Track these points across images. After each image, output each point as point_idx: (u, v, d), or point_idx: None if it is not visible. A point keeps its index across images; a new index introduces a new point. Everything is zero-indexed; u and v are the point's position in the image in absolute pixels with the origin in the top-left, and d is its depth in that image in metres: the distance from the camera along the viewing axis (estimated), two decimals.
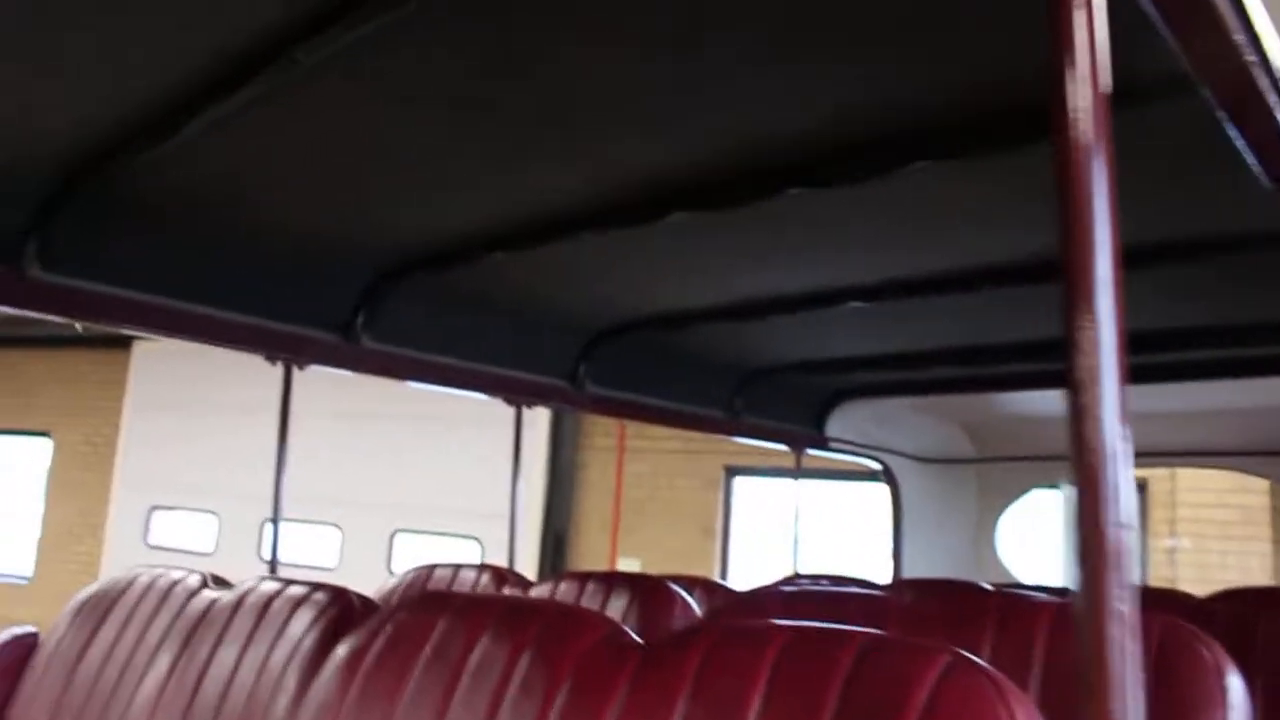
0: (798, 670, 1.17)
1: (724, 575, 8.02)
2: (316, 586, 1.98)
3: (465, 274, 2.69)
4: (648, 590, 2.61)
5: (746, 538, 8.38)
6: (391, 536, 9.00)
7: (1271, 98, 1.20)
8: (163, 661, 2.05)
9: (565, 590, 2.81)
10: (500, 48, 1.56)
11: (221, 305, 2.56)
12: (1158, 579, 6.61)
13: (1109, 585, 0.83)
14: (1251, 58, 1.12)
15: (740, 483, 8.32)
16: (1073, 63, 0.87)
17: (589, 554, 8.54)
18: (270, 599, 2.01)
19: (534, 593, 2.94)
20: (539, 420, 8.17)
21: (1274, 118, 1.26)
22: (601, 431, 8.58)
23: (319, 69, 1.56)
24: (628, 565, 8.26)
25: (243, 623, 2.00)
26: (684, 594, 2.55)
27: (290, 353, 2.76)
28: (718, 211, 2.08)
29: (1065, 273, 0.86)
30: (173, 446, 10.42)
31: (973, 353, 3.58)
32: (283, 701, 1.77)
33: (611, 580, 2.77)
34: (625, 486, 8.49)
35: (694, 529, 8.24)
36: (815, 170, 1.88)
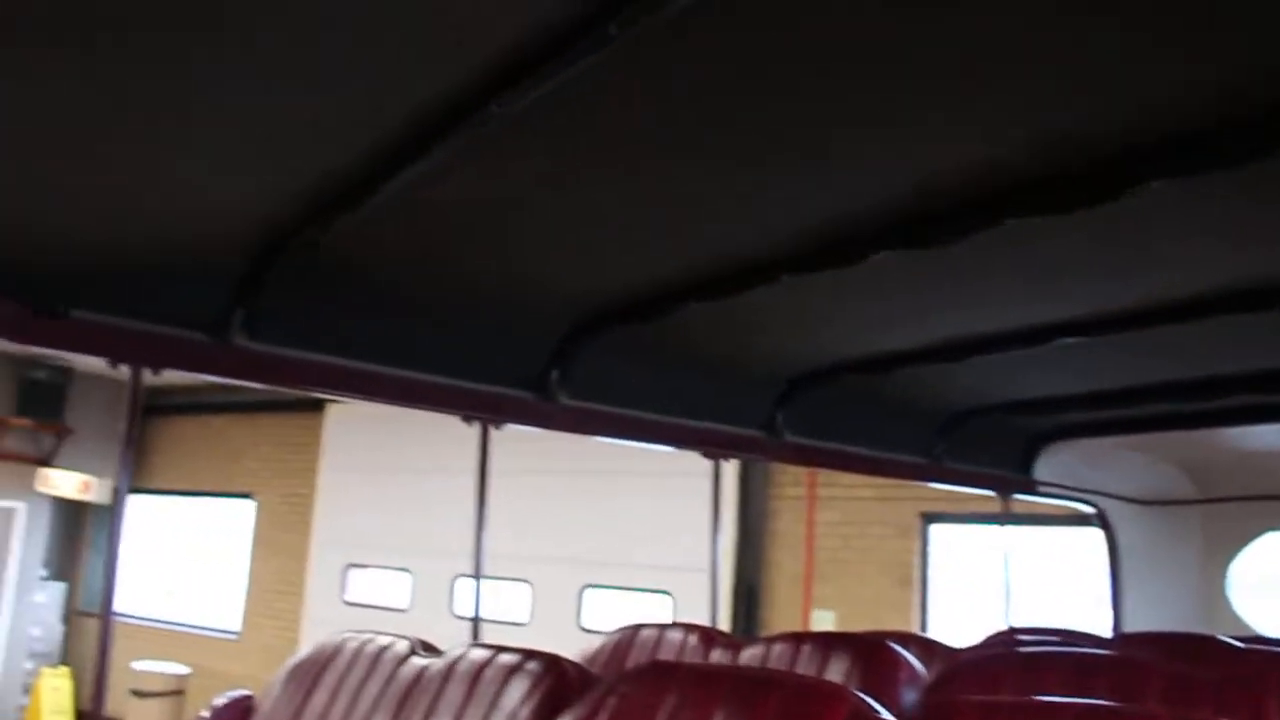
0: None
1: (924, 628, 7.71)
2: (529, 654, 1.96)
3: (659, 325, 2.67)
4: (869, 652, 2.49)
5: (945, 587, 8.05)
6: (581, 591, 9.05)
7: None
8: None
9: (780, 653, 2.72)
10: (695, 93, 1.54)
11: (418, 367, 2.62)
12: None
13: None
14: None
15: (937, 529, 8.02)
16: None
17: (781, 607, 8.37)
18: (481, 667, 1.99)
19: (745, 655, 2.86)
20: (728, 471, 8.09)
21: None
22: (791, 481, 8.43)
23: (513, 121, 1.56)
24: (821, 618, 8.05)
25: (455, 691, 1.99)
26: (908, 656, 2.43)
27: (487, 412, 2.80)
28: (925, 249, 2.00)
29: None
30: (366, 506, 10.80)
31: (1194, 386, 3.34)
32: None
33: (828, 642, 2.67)
34: (817, 536, 8.30)
35: (889, 579, 7.97)
36: (1033, 198, 1.77)
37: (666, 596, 8.47)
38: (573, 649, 2.10)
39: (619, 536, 8.92)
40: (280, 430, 12.12)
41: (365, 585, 10.77)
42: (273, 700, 2.31)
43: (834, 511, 8.20)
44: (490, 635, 2.58)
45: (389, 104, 1.59)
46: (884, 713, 1.29)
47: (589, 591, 9.05)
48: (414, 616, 9.81)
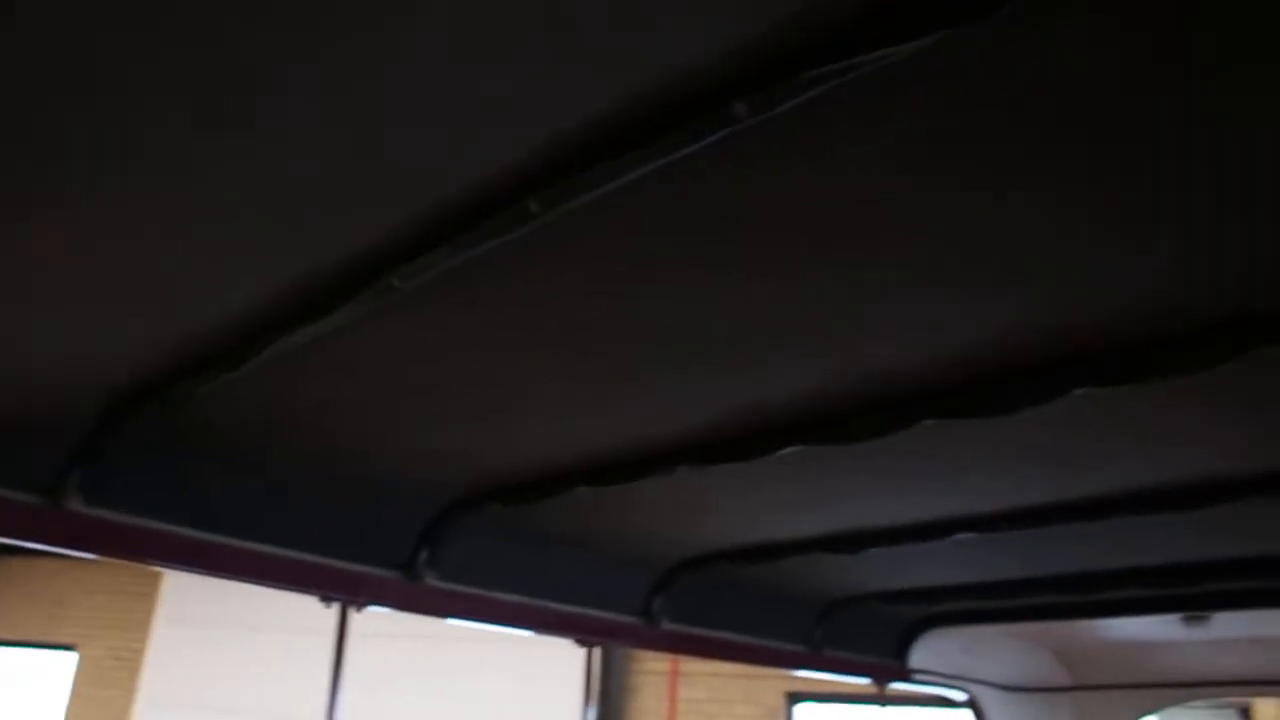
0: None
1: None
2: None
3: (539, 508, 2.50)
4: None
5: None
6: None
7: None
8: None
9: None
10: (605, 278, 1.42)
11: (275, 542, 2.39)
12: None
13: None
14: None
15: (802, 709, 7.83)
16: None
17: None
18: None
19: None
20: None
21: None
22: (654, 655, 8.17)
23: (413, 295, 1.43)
24: None
25: None
26: None
27: (347, 593, 2.56)
28: (835, 445, 1.89)
29: None
30: (201, 665, 10.08)
31: (1074, 580, 3.33)
32: None
33: None
34: (679, 715, 8.01)
35: None
36: (951, 403, 1.70)
37: None
38: None
39: (480, 706, 8.45)
40: (113, 579, 11.31)
41: None
42: None
43: (698, 689, 7.96)
44: None
45: (275, 267, 1.42)
46: None
47: None
48: None
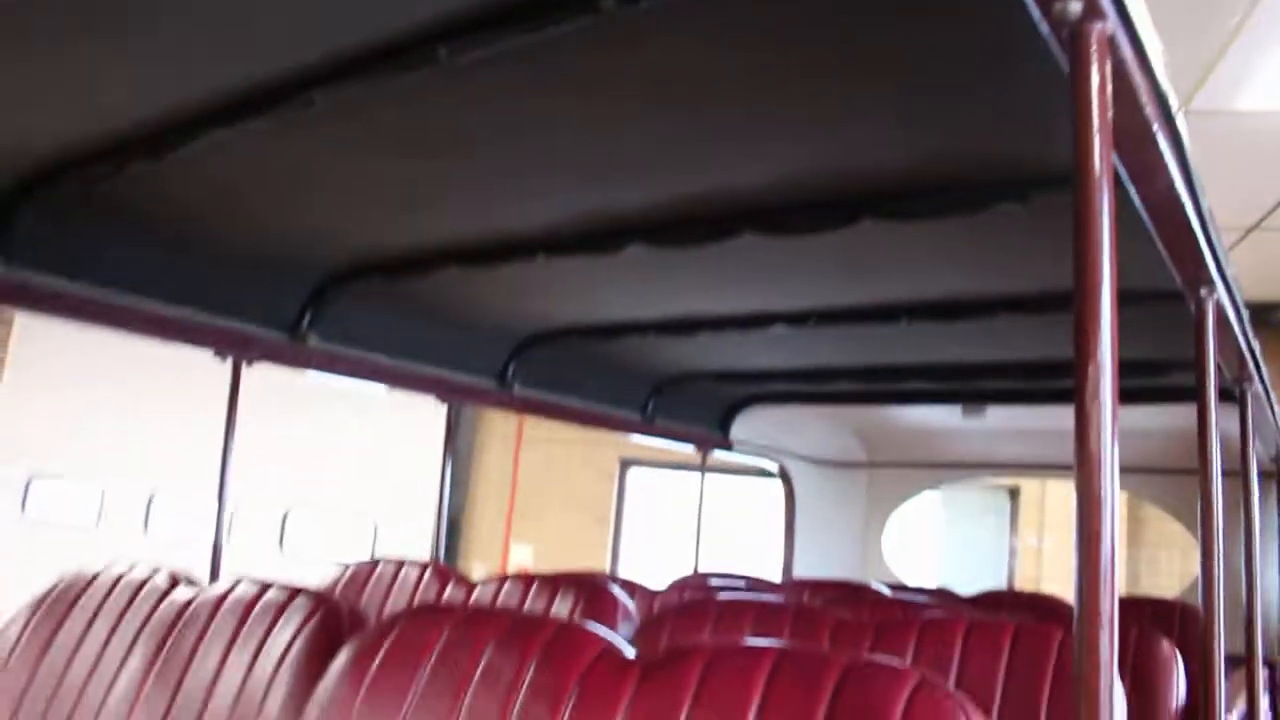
0: (786, 694, 1.34)
1: (615, 562, 8.22)
2: (297, 591, 2.05)
3: (413, 282, 2.81)
4: (591, 593, 2.77)
5: (639, 526, 8.59)
6: (285, 516, 8.94)
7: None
8: (136, 662, 2.08)
9: (509, 590, 2.96)
10: (487, 104, 1.71)
11: (178, 302, 2.62)
12: (1025, 577, 7.06)
13: (1104, 594, 0.90)
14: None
15: (635, 474, 8.54)
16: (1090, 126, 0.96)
17: (483, 540, 8.64)
18: (250, 603, 2.06)
19: (479, 594, 3.08)
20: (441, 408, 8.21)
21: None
22: (501, 418, 8.68)
23: (325, 112, 1.67)
24: (520, 552, 8.40)
25: (224, 626, 2.04)
26: (624, 597, 2.72)
27: (239, 349, 2.84)
28: (673, 249, 2.26)
29: (1079, 305, 0.94)
30: (59, 412, 10.08)
31: (875, 371, 3.86)
32: (274, 710, 1.85)
33: (555, 582, 2.93)
34: (522, 475, 8.61)
35: (587, 518, 8.41)
36: (769, 219, 2.08)
37: (369, 524, 8.53)
38: (277, 575, 2.14)
39: (328, 458, 8.82)
40: None
41: (51, 499, 10.08)
42: (16, 630, 2.21)
43: (540, 452, 8.53)
44: (190, 559, 2.59)
45: (207, 75, 1.63)
46: (629, 655, 1.53)
47: (292, 516, 8.93)
48: (104, 535, 9.32)
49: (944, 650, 2.13)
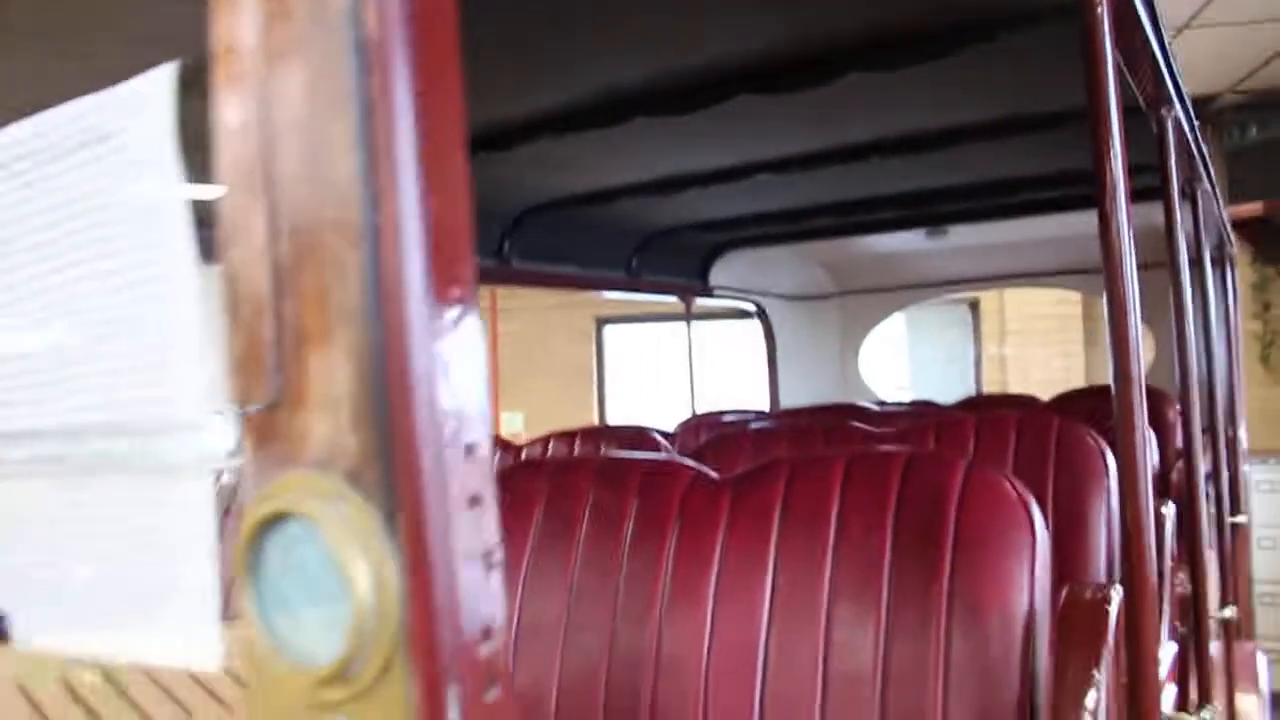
0: (860, 491, 1.58)
1: (603, 418, 8.56)
2: None
3: None
4: (633, 438, 3.04)
5: (619, 381, 8.92)
6: None
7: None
8: None
9: (555, 447, 3.22)
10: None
11: None
12: (990, 381, 7.49)
13: (1134, 403, 1.20)
14: None
15: (610, 331, 8.82)
16: None
17: None
18: None
19: (526, 454, 3.34)
20: None
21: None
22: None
23: None
24: (511, 419, 8.70)
25: None
26: (661, 439, 3.00)
27: None
28: (674, 117, 2.46)
29: (1094, 130, 1.23)
30: None
31: (842, 206, 4.11)
32: None
33: (595, 435, 3.20)
34: (500, 345, 8.85)
35: (571, 378, 8.71)
36: (763, 80, 2.28)
37: None
38: None
39: None
40: None
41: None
42: None
43: (516, 322, 8.75)
44: None
45: None
46: (716, 476, 1.77)
47: None
48: None
49: (1000, 442, 2.43)
